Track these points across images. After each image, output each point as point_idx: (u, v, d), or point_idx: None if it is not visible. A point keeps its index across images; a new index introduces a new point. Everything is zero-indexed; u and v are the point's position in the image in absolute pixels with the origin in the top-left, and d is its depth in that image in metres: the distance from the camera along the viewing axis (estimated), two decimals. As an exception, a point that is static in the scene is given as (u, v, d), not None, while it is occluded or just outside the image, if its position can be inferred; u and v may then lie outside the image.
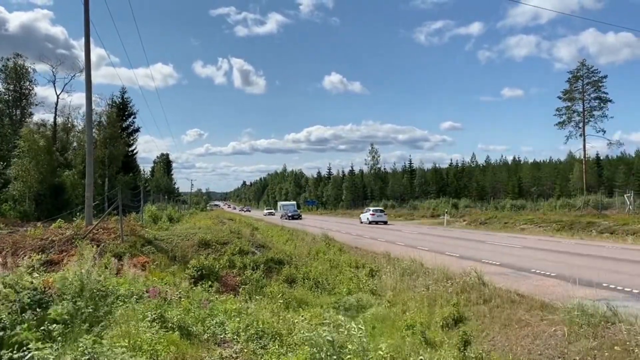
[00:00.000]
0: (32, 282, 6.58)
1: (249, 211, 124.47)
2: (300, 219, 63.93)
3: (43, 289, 6.66)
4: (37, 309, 6.00)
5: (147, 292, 8.07)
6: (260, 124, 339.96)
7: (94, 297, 6.92)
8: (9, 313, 5.72)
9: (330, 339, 4.95)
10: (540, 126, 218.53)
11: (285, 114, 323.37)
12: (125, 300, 7.62)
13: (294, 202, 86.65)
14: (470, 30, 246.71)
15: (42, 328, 5.49)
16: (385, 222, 47.29)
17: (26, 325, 5.48)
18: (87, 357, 4.54)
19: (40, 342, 4.79)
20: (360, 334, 5.18)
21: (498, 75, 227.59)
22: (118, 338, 5.47)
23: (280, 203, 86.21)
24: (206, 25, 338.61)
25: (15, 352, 4.69)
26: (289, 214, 66.35)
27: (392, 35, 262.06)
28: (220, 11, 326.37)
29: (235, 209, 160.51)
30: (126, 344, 5.22)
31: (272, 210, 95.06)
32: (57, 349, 4.87)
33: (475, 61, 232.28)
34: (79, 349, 4.72)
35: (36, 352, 4.52)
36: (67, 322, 5.91)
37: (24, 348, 4.71)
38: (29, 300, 6.15)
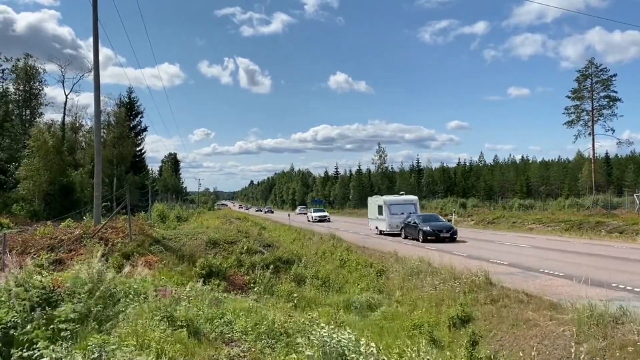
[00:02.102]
0: (41, 281, 6.62)
1: (271, 212, 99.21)
2: (456, 237, 25.38)
3: (52, 288, 6.71)
4: (47, 308, 6.04)
5: (155, 291, 8.10)
6: (267, 123, 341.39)
7: (102, 296, 6.96)
8: (19, 311, 5.76)
9: (340, 340, 4.96)
10: (548, 125, 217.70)
11: (291, 114, 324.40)
12: (134, 299, 7.66)
13: (415, 198, 35.26)
14: (475, 30, 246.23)
15: (51, 327, 5.54)
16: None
17: (36, 323, 5.53)
18: (96, 356, 4.57)
19: (49, 341, 4.83)
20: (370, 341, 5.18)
21: (504, 74, 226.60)
22: (126, 337, 5.50)
23: (384, 199, 34.21)
24: (212, 25, 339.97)
25: (25, 350, 4.73)
26: (424, 228, 25.55)
27: (397, 35, 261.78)
28: (225, 11, 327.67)
29: (249, 209, 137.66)
30: (134, 343, 5.25)
31: (326, 213, 57.36)
32: (67, 347, 4.91)
33: (480, 60, 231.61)
34: (88, 348, 4.75)
35: (45, 351, 4.56)
36: (76, 321, 5.95)
37: (34, 347, 4.76)
38: (38, 299, 6.19)
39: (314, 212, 58.27)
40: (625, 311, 7.92)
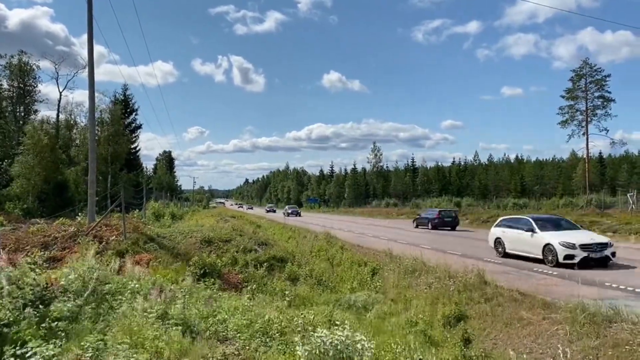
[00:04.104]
0: (35, 279, 6.59)
1: (298, 215, 62.83)
2: None
3: (46, 286, 6.68)
4: (40, 306, 6.02)
5: (150, 289, 8.09)
6: (261, 121, 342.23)
7: (96, 294, 6.94)
8: (12, 309, 5.73)
9: (333, 338, 4.96)
10: (542, 125, 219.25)
11: (285, 112, 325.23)
12: (128, 297, 7.64)
13: None
14: (467, 29, 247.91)
15: (44, 325, 5.52)
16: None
17: (29, 321, 5.51)
18: (90, 354, 4.56)
19: (42, 339, 4.80)
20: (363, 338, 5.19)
21: (497, 73, 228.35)
22: (121, 335, 5.48)
23: None
24: (205, 23, 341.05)
25: (17, 348, 4.70)
26: None
27: (390, 34, 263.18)
28: (219, 9, 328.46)
29: (251, 208, 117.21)
30: (129, 341, 5.23)
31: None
32: (60, 345, 4.89)
33: (474, 60, 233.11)
34: (82, 346, 4.73)
35: (37, 349, 4.54)
36: (70, 319, 5.93)
37: (27, 345, 4.73)
38: (32, 296, 6.17)
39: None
40: (618, 310, 7.96)
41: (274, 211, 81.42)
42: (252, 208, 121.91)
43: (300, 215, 60.28)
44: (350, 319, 10.91)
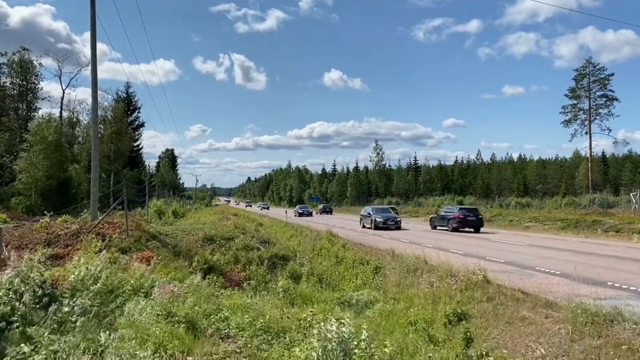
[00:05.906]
0: (41, 276, 6.62)
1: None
2: None
3: (52, 283, 6.72)
4: (47, 303, 6.05)
5: (153, 287, 8.12)
6: (263, 119, 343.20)
7: (101, 292, 6.97)
8: (19, 306, 5.76)
9: (338, 335, 4.96)
10: (544, 124, 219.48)
11: (286, 110, 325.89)
12: (132, 295, 7.67)
13: None
14: (468, 28, 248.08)
15: (54, 319, 5.55)
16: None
17: (37, 317, 5.54)
18: (99, 349, 4.59)
19: (49, 336, 4.84)
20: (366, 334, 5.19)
21: (498, 72, 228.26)
22: (127, 331, 5.51)
23: None
24: (207, 21, 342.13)
25: (25, 345, 4.73)
26: None
27: (391, 33, 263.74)
28: (220, 7, 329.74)
29: (267, 208, 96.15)
30: (134, 338, 5.26)
31: None
32: (65, 341, 4.92)
33: (475, 59, 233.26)
34: (90, 341, 4.76)
35: (44, 345, 4.57)
36: (77, 316, 5.95)
37: (34, 340, 4.77)
38: (39, 293, 6.19)
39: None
40: (620, 310, 7.96)
41: (310, 214, 59.73)
42: (268, 207, 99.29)
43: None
44: (352, 317, 10.94)
